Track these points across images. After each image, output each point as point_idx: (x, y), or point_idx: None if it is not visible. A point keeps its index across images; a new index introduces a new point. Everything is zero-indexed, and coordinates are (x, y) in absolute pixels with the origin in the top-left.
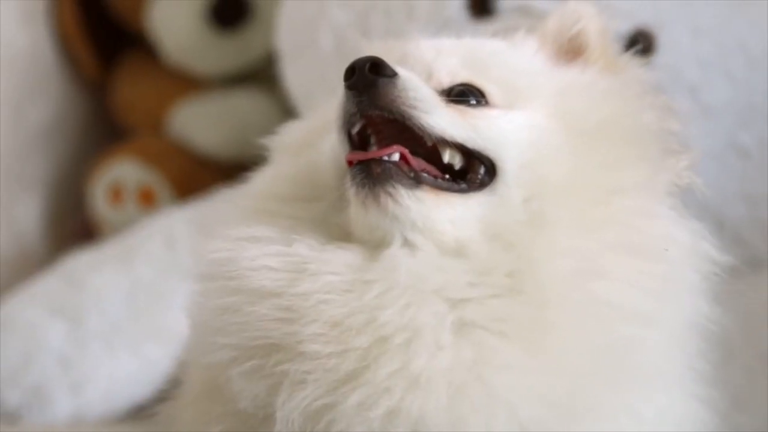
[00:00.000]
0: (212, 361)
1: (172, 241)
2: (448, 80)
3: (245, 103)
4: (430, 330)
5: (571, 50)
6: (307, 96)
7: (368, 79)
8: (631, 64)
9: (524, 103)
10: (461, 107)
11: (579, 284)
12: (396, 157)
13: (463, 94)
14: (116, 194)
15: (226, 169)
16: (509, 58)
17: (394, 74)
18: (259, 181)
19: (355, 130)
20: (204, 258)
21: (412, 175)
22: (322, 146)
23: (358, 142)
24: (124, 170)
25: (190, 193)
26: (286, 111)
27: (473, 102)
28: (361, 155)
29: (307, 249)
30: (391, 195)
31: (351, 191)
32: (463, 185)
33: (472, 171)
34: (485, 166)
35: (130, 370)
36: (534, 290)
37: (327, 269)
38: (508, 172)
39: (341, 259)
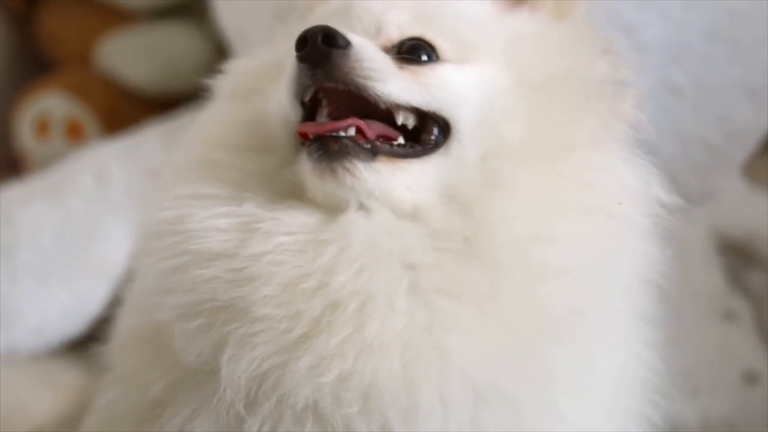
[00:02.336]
0: (157, 318)
1: (103, 176)
2: (397, 35)
3: (173, 37)
4: (384, 295)
5: None
6: (239, 31)
7: (321, 51)
8: (578, 7)
9: (476, 56)
10: (413, 67)
11: (532, 249)
12: (352, 131)
13: (414, 50)
14: (43, 127)
15: (154, 103)
16: (460, 8)
17: (347, 44)
18: (204, 127)
19: (307, 97)
20: (150, 213)
21: (368, 146)
22: (271, 96)
23: (309, 106)
24: (50, 103)
25: (117, 126)
26: (215, 45)
27: (424, 58)
28: (315, 128)
29: (258, 207)
30: (348, 170)
31: (307, 166)
32: (419, 148)
33: (426, 131)
34: (439, 126)
35: (62, 304)
36: (488, 255)
37: (280, 229)
38: (462, 132)
39: (295, 218)
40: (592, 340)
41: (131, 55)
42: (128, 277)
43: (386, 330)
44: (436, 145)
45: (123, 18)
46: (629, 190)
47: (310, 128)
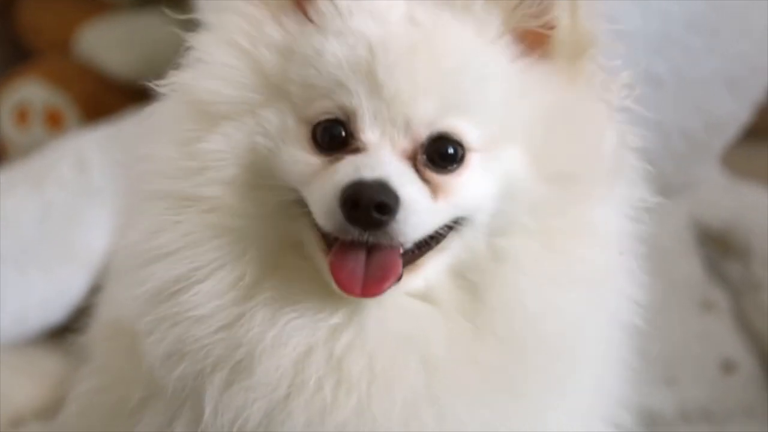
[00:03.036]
0: (142, 352)
1: (83, 164)
2: (425, 133)
3: (153, 25)
4: (394, 374)
5: (534, 39)
6: None
7: (374, 220)
8: (591, 62)
9: (501, 138)
10: (440, 177)
11: (533, 326)
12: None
13: (441, 151)
14: (22, 116)
15: (135, 91)
16: (488, 84)
17: (398, 204)
18: (196, 153)
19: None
20: (141, 251)
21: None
22: (280, 145)
23: None
24: (30, 91)
25: (98, 115)
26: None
27: (453, 166)
28: (362, 291)
29: (260, 271)
30: (380, 297)
31: (338, 289)
32: (432, 242)
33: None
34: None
35: (42, 292)
36: (493, 333)
37: (287, 306)
38: (477, 222)
39: (301, 290)
40: (581, 372)
41: (111, 43)
42: (108, 265)
43: (391, 401)
44: (448, 230)
45: (102, 7)
46: (624, 234)
47: (356, 291)
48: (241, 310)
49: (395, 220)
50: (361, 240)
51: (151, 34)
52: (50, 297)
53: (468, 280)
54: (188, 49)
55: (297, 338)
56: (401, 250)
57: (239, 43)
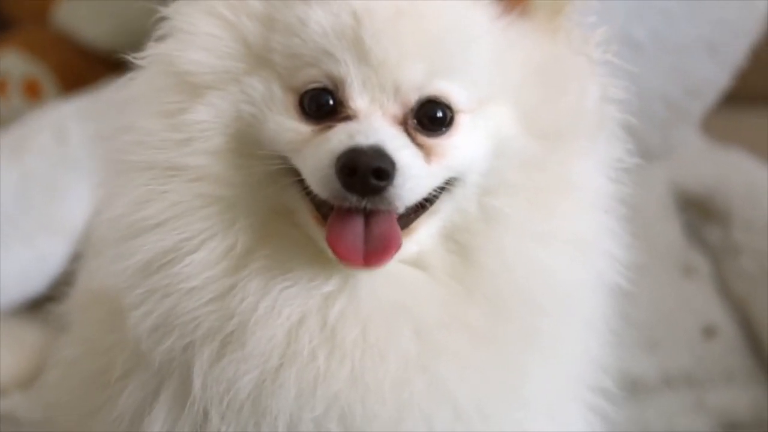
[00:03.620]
0: (127, 324)
1: (62, 133)
2: (415, 97)
3: None
4: (387, 343)
5: None
6: None
7: (372, 186)
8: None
9: (490, 97)
10: (431, 140)
11: (521, 285)
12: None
13: (431, 114)
14: (1, 86)
15: (113, 62)
16: (474, 45)
17: (393, 169)
18: (182, 123)
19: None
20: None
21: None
22: (265, 114)
23: None
24: (8, 62)
25: (76, 85)
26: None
27: (443, 129)
28: (364, 262)
29: (252, 240)
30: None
31: (338, 261)
32: (426, 203)
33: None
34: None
35: (22, 262)
36: (482, 293)
37: (278, 276)
38: (468, 181)
39: (293, 261)
40: (569, 336)
41: (89, 14)
42: (88, 233)
43: (384, 370)
44: (440, 191)
45: None
46: (607, 195)
47: (357, 261)
48: (233, 281)
49: (392, 185)
50: (358, 207)
51: (128, 5)
52: (30, 267)
53: (458, 243)
54: (164, 19)
55: (290, 307)
56: (397, 216)
57: (221, 13)
